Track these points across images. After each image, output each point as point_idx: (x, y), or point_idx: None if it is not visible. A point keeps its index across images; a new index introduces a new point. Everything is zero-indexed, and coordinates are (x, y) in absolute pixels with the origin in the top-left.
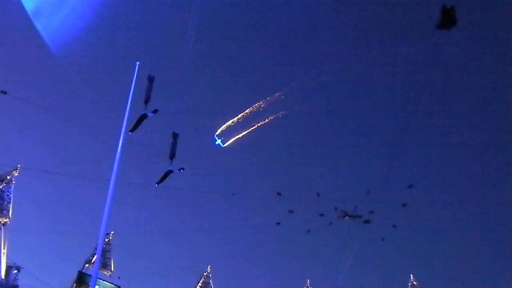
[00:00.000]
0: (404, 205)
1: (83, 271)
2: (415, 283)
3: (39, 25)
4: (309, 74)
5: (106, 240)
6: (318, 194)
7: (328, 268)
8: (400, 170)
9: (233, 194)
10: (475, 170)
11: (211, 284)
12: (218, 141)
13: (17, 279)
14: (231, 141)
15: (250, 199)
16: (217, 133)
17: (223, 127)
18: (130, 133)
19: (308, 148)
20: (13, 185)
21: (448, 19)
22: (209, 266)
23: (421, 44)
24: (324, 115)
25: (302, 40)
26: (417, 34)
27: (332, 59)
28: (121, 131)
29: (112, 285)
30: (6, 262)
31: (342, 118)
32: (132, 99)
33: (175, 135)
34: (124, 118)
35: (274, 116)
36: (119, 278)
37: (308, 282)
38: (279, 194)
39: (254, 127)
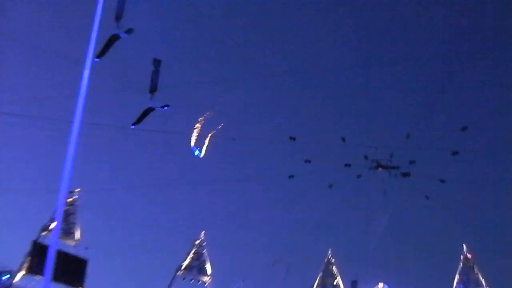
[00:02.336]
0: (455, 153)
1: (39, 240)
2: (469, 255)
3: None
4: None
5: (70, 200)
6: (343, 139)
7: (355, 235)
8: (450, 107)
9: (234, 138)
10: None
11: (206, 254)
12: (197, 152)
13: None
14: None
15: (255, 144)
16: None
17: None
18: (97, 59)
19: (329, 78)
20: None
21: None
22: (203, 232)
23: None
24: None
25: None
26: None
27: None
28: (86, 57)
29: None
30: None
31: (375, 38)
32: (100, 16)
33: (156, 63)
34: (90, 40)
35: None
36: (86, 249)
37: (329, 252)
38: (292, 138)
39: None
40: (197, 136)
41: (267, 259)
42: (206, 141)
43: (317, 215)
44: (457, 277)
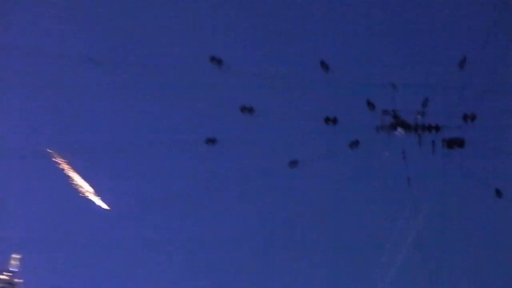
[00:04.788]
0: None
1: None
2: None
3: None
4: None
5: None
6: (323, 66)
7: (349, 264)
8: None
9: (90, 58)
10: None
11: None
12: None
13: None
14: None
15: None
16: None
17: None
18: None
19: None
20: None
21: None
22: (17, 257)
23: None
24: None
25: None
26: None
27: None
28: None
29: None
30: None
31: None
32: None
33: None
34: None
35: None
36: None
37: None
38: (216, 61)
39: None
40: None
41: None
42: None
43: (264, 226)
44: None
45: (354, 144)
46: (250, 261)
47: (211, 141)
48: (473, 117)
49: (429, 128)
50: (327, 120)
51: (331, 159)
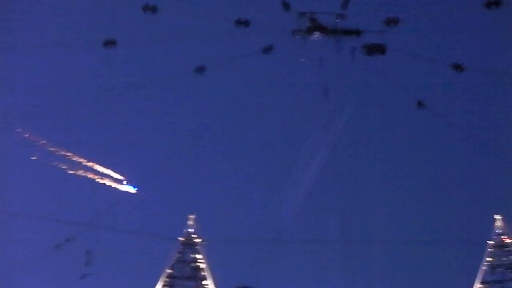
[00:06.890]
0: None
1: None
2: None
3: None
4: None
5: None
6: None
7: (257, 177)
8: None
9: None
10: None
11: None
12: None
13: None
14: None
15: None
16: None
17: None
18: None
19: None
20: None
21: None
22: None
23: None
24: None
25: None
26: None
27: None
28: None
29: None
30: None
31: None
32: None
33: None
34: None
35: None
36: None
37: (191, 220)
38: None
39: None
40: None
41: None
42: None
43: (169, 136)
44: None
45: (267, 49)
46: (155, 171)
47: (110, 42)
48: (396, 21)
49: (348, 32)
50: (238, 22)
51: (242, 65)
